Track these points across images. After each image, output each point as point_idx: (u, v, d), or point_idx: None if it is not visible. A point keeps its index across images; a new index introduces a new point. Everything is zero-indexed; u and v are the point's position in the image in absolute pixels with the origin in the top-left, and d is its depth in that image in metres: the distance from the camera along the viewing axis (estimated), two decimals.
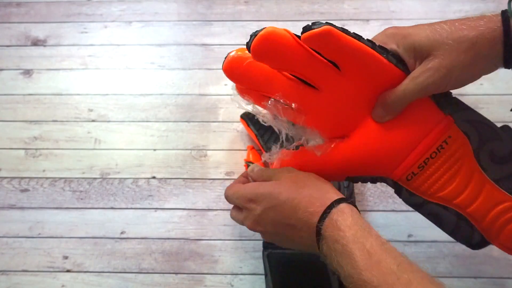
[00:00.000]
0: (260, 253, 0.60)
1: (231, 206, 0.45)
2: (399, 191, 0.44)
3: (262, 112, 0.44)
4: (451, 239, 0.45)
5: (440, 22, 0.38)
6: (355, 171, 0.44)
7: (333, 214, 0.39)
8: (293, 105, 0.41)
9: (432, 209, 0.44)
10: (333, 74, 0.40)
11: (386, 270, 0.34)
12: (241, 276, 0.60)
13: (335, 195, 0.41)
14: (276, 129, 0.45)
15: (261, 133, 0.65)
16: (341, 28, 0.38)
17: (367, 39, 0.39)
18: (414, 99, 0.40)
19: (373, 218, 0.63)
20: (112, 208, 0.65)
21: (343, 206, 0.39)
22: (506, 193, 0.41)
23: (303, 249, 0.44)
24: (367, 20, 0.80)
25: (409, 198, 0.44)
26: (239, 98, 0.43)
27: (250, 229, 0.46)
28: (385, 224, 0.62)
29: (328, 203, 0.39)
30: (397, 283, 0.34)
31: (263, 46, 0.38)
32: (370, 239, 0.37)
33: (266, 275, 0.58)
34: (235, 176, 0.67)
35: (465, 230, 0.43)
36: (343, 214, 0.38)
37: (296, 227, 0.41)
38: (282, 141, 0.45)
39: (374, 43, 0.39)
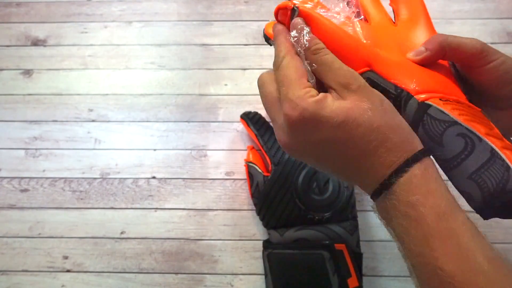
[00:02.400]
0: (260, 253, 0.60)
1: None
2: (424, 110, 0.35)
3: None
4: None
5: None
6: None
7: (415, 169, 0.30)
8: None
9: (464, 130, 0.34)
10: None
11: (474, 266, 0.28)
12: (241, 276, 0.60)
13: (417, 142, 0.32)
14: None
15: (261, 133, 0.65)
16: None
17: None
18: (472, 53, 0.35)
19: (373, 218, 0.63)
20: (112, 208, 0.65)
21: (428, 162, 0.30)
22: None
23: (346, 181, 0.36)
24: None
25: (439, 115, 0.35)
26: None
27: (280, 143, 0.34)
28: None
29: (410, 154, 0.30)
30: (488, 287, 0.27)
31: None
32: (459, 215, 0.29)
33: (266, 275, 0.58)
34: (235, 176, 0.67)
35: (499, 169, 0.32)
36: (427, 173, 0.30)
37: (359, 171, 0.32)
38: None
39: None
